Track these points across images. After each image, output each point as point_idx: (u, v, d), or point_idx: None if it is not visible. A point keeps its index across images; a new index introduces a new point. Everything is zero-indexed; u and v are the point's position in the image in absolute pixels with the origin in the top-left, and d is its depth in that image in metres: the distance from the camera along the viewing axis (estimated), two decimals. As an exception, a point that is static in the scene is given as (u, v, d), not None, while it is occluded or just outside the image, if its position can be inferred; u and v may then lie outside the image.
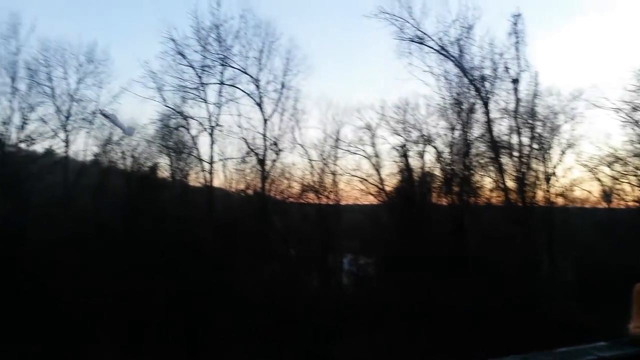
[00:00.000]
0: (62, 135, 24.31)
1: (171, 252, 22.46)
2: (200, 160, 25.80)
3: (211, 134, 25.21)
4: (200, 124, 25.24)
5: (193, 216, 25.63)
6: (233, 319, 20.99)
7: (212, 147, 25.40)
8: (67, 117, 24.27)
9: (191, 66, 24.97)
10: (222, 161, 26.41)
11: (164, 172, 27.74)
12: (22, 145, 24.27)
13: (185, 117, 25.31)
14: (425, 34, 24.45)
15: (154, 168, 27.00)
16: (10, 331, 17.36)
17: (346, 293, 26.37)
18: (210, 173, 25.60)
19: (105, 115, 23.81)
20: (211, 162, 25.50)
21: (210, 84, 25.49)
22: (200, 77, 25.12)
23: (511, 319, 19.14)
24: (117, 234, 23.67)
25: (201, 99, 25.13)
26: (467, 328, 18.94)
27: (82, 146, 25.44)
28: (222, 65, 25.29)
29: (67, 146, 24.43)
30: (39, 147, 25.05)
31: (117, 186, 25.85)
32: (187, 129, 25.59)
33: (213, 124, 25.15)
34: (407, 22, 24.36)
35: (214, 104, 25.30)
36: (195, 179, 27.17)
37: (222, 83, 25.40)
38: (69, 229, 22.24)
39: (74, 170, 24.93)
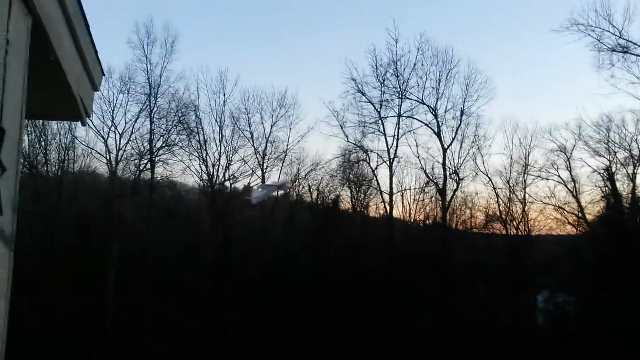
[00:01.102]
0: (259, 173, 27.14)
1: (354, 282, 23.06)
2: (380, 191, 26.30)
3: (390, 166, 25.60)
4: (380, 156, 25.90)
5: (374, 247, 25.99)
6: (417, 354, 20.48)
7: (391, 179, 25.74)
8: (263, 157, 27.02)
9: (370, 102, 25.96)
10: (401, 192, 26.48)
11: (346, 203, 28.89)
12: (228, 184, 27.59)
13: (365, 151, 26.21)
14: (630, 41, 21.42)
15: (337, 200, 28.25)
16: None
17: (541, 334, 23.73)
18: (390, 204, 25.84)
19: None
20: (391, 194, 25.77)
21: (389, 117, 26.06)
22: (379, 111, 25.93)
23: None
24: (305, 264, 25.19)
25: (380, 132, 25.87)
26: None
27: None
28: (400, 98, 25.69)
29: (263, 182, 27.04)
30: (240, 185, 28.25)
31: (304, 218, 27.67)
32: (368, 162, 26.45)
33: (392, 156, 25.54)
34: (607, 30, 21.68)
35: (393, 136, 25.75)
36: (375, 210, 27.75)
37: (400, 116, 25.74)
38: (265, 259, 24.37)
39: (268, 205, 27.42)
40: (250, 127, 27.11)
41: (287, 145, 27.24)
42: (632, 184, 22.87)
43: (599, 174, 23.35)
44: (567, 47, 23.26)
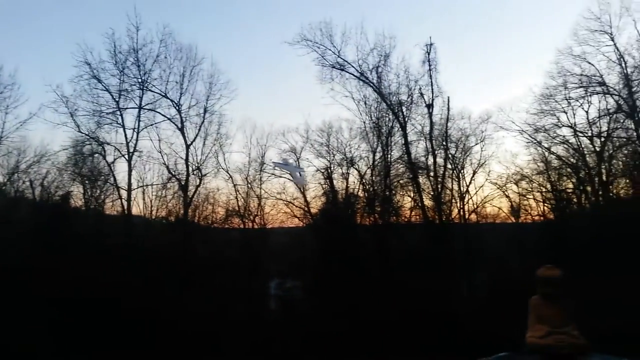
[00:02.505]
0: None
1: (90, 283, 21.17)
2: (117, 187, 24.77)
3: (129, 160, 24.35)
4: (117, 149, 24.36)
5: (111, 245, 24.34)
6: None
7: (130, 174, 24.52)
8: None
9: (107, 90, 24.21)
10: (141, 188, 25.50)
11: (78, 200, 26.22)
12: None
13: (100, 143, 24.28)
14: (345, 60, 25.44)
15: (66, 197, 25.40)
16: None
17: (272, 317, 26.03)
18: (128, 200, 24.60)
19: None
20: (129, 189, 24.55)
21: (128, 108, 24.79)
22: (117, 101, 24.38)
23: (430, 334, 19.89)
24: (27, 271, 21.88)
25: (118, 124, 24.36)
26: (390, 344, 19.47)
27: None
28: (141, 89, 24.67)
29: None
30: None
31: (25, 217, 24.04)
32: (103, 155, 24.54)
33: (131, 149, 24.31)
34: (329, 49, 25.25)
35: (132, 129, 24.54)
36: (112, 207, 25.96)
37: (140, 107, 24.72)
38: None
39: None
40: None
41: (2, 132, 23.38)
42: (345, 182, 27.12)
43: (321, 172, 26.91)
44: (300, 58, 25.80)
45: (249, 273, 25.43)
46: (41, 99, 26.16)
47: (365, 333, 20.85)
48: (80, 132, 23.99)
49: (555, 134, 25.09)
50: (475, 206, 26.41)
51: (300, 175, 25.04)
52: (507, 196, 26.71)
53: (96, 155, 24.59)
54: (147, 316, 21.04)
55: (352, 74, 25.54)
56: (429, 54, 25.15)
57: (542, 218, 26.66)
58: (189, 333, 21.11)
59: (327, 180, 26.93)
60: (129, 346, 19.65)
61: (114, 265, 22.90)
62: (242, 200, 26.73)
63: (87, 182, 25.19)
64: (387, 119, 25.73)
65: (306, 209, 27.22)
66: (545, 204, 26.76)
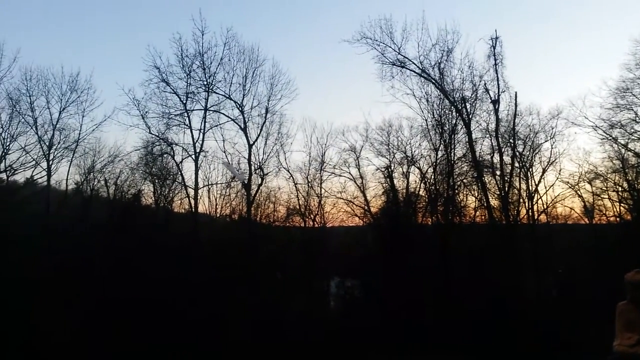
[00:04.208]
0: (44, 164, 24.12)
1: (158, 279, 22.14)
2: (185, 186, 25.74)
3: (196, 160, 25.22)
4: (185, 150, 25.29)
5: (178, 242, 25.34)
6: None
7: (196, 173, 25.36)
8: (50, 147, 24.07)
9: (175, 93, 25.15)
10: (207, 187, 26.36)
11: (148, 199, 27.53)
12: (3, 176, 23.91)
13: (169, 144, 25.29)
14: (406, 57, 24.95)
15: (138, 195, 26.74)
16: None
17: (332, 316, 26.10)
18: (195, 199, 25.50)
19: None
20: (196, 188, 25.45)
21: (195, 110, 25.63)
22: (184, 103, 25.28)
23: (499, 337, 19.21)
24: (102, 264, 23.24)
25: (185, 125, 25.23)
26: (453, 345, 18.96)
27: (65, 175, 25.25)
28: (206, 91, 25.45)
29: (49, 175, 24.16)
30: (20, 177, 24.73)
31: (100, 214, 25.55)
32: (172, 156, 25.56)
33: (198, 149, 25.19)
34: (389, 46, 24.86)
35: (199, 130, 25.38)
36: (179, 205, 27.04)
37: (206, 109, 25.50)
38: (51, 259, 21.77)
39: (56, 200, 24.56)
40: (32, 111, 24.05)
41: (80, 134, 24.87)
42: (406, 181, 26.72)
43: (381, 171, 26.66)
44: (360, 56, 25.63)
45: (309, 271, 25.63)
46: (115, 102, 27.74)
47: (427, 333, 20.50)
48: (151, 133, 25.08)
49: (632, 130, 23.37)
50: (545, 206, 25.23)
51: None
52: (580, 196, 25.35)
53: (165, 155, 25.67)
54: (212, 313, 21.75)
55: (413, 71, 25.02)
56: (494, 48, 24.19)
57: (618, 219, 25.00)
58: (250, 330, 21.61)
59: (388, 179, 26.63)
60: (193, 340, 20.44)
61: (180, 263, 23.86)
62: (303, 199, 27.01)
63: (157, 181, 26.38)
64: (450, 116, 25.03)
65: (366, 208, 27.11)
66: (622, 204, 25.10)
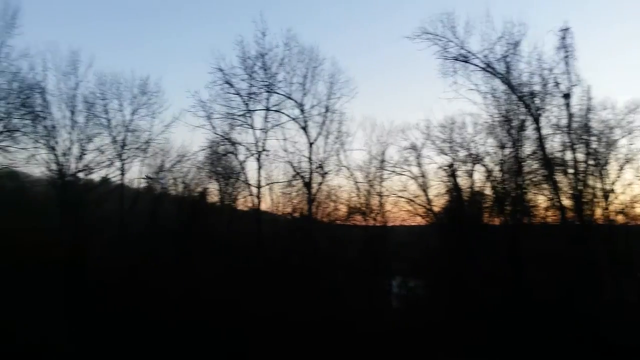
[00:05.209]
0: (117, 164, 25.42)
1: (223, 277, 22.72)
2: (248, 184, 26.32)
3: (258, 159, 25.76)
4: (248, 149, 25.90)
5: (242, 240, 25.93)
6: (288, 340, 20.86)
7: (259, 172, 25.90)
8: (122, 147, 25.33)
9: (238, 94, 25.76)
10: (269, 185, 26.81)
11: (214, 197, 28.39)
12: (81, 175, 25.37)
13: (233, 143, 25.97)
14: (469, 52, 24.21)
15: (204, 193, 27.63)
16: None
17: (395, 316, 25.75)
18: (258, 197, 26.01)
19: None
20: (258, 187, 25.94)
21: (257, 110, 26.14)
22: (246, 104, 25.85)
23: (573, 342, 18.30)
24: (170, 260, 24.17)
25: (248, 125, 25.85)
26: (523, 348, 18.23)
27: (136, 174, 26.55)
28: (268, 91, 25.92)
29: (122, 174, 25.47)
30: (95, 176, 26.19)
31: (170, 211, 26.59)
32: (235, 155, 26.27)
33: (260, 149, 25.72)
34: (451, 41, 24.20)
35: (261, 129, 25.93)
36: (243, 203, 27.70)
37: (267, 109, 25.97)
38: (125, 254, 22.92)
39: (129, 197, 25.82)
40: (106, 113, 25.41)
41: (150, 135, 26.00)
42: (470, 180, 25.98)
43: (444, 170, 26.08)
44: (420, 53, 25.11)
45: (371, 271, 25.48)
46: (182, 104, 28.78)
47: (494, 335, 19.83)
48: (216, 133, 25.95)
49: None
50: (622, 206, 23.70)
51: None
52: (661, 195, 23.58)
53: (229, 154, 26.42)
54: (276, 311, 22.04)
55: (477, 66, 24.18)
56: (564, 40, 23.02)
57: None
58: (313, 330, 21.71)
59: (451, 178, 26.02)
60: (258, 338, 20.77)
61: (244, 262, 24.36)
62: (364, 197, 26.89)
63: (221, 179, 27.18)
64: (518, 111, 24.02)
65: (428, 207, 26.61)
66: None
